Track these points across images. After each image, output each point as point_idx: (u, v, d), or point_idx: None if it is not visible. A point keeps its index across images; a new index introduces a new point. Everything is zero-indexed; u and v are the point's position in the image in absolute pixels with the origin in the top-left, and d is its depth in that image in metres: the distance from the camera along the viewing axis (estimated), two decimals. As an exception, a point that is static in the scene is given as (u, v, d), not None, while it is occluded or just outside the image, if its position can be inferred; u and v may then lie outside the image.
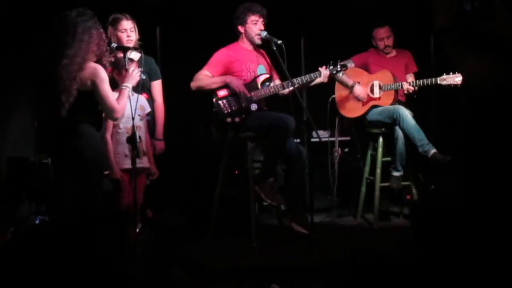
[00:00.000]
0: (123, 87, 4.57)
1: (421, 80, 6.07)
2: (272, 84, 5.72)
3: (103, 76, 4.30)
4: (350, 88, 6.37)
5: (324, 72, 5.67)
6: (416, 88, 6.10)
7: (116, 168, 4.92)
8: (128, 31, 5.29)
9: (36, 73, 4.43)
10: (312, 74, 5.67)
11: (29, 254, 3.38)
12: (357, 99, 6.34)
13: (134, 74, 4.72)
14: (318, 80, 5.69)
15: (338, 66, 5.78)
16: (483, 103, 2.87)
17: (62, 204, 4.74)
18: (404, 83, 6.13)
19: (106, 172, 4.83)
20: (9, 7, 6.07)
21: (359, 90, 6.32)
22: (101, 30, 4.41)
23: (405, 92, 6.19)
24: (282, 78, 5.75)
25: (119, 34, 5.28)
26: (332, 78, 5.87)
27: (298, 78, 5.57)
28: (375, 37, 6.45)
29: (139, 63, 5.19)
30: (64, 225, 4.27)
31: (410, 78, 6.35)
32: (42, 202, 5.78)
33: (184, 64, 6.20)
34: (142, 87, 5.26)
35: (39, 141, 5.18)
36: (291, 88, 5.69)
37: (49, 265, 3.84)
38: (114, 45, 5.09)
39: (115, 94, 4.53)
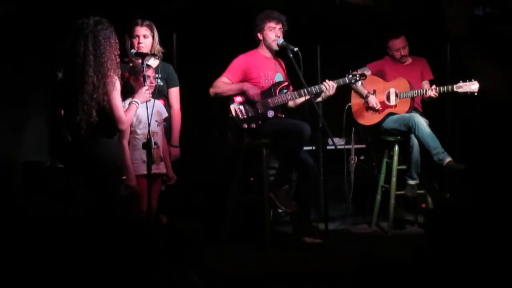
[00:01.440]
0: (133, 102, 4.61)
1: (437, 88, 6.06)
2: (289, 92, 5.73)
3: (117, 86, 4.33)
4: (364, 98, 6.37)
5: (330, 84, 5.66)
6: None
7: (132, 174, 4.94)
8: (141, 37, 5.30)
9: (56, 80, 4.44)
10: (321, 85, 5.66)
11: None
12: (372, 109, 6.34)
13: (144, 92, 4.75)
14: (327, 94, 5.67)
15: (357, 75, 5.79)
16: (499, 111, 2.86)
17: (79, 209, 4.76)
18: (428, 90, 6.11)
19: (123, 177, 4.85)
20: (26, 12, 6.11)
21: (373, 101, 6.32)
22: (117, 40, 4.43)
23: (426, 99, 6.17)
24: (296, 87, 5.75)
25: (132, 39, 5.31)
26: (342, 86, 5.85)
27: (307, 88, 5.56)
28: (391, 47, 6.44)
29: (156, 70, 5.22)
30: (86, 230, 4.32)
31: (426, 85, 6.34)
32: (57, 206, 5.80)
33: (200, 71, 6.22)
34: (159, 93, 5.30)
35: (54, 147, 5.22)
36: (302, 100, 5.72)
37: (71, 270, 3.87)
38: (133, 51, 5.12)
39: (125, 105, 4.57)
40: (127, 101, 4.72)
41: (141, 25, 5.33)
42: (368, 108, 6.39)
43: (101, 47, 4.30)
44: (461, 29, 2.69)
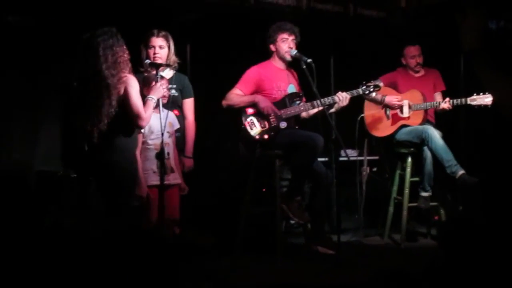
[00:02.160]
0: (149, 98, 4.60)
1: (451, 100, 6.04)
2: (301, 103, 5.73)
3: (134, 84, 4.38)
4: (381, 101, 6.35)
5: (343, 96, 5.65)
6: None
7: (143, 184, 4.94)
8: (157, 48, 5.31)
9: (70, 90, 4.47)
10: (335, 96, 5.66)
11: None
12: (391, 109, 6.31)
13: (159, 87, 4.74)
14: (340, 105, 5.66)
15: (371, 86, 5.79)
16: (512, 125, 2.85)
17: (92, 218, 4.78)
18: (441, 102, 6.10)
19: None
20: (41, 23, 6.15)
21: (390, 98, 6.30)
22: (124, 47, 4.45)
23: (439, 111, 6.15)
24: (309, 98, 5.75)
25: (148, 50, 5.32)
26: (355, 97, 5.85)
27: (321, 100, 5.55)
28: (406, 54, 6.45)
29: (171, 80, 5.23)
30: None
31: (439, 97, 6.33)
32: (69, 216, 5.82)
33: (213, 82, 6.24)
34: (173, 104, 5.31)
35: (68, 157, 5.24)
36: (315, 110, 5.72)
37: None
38: (147, 61, 5.12)
39: None
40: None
41: (157, 35, 5.34)
42: (382, 118, 6.37)
43: (112, 53, 4.34)
44: (474, 42, 2.69)
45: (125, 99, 4.32)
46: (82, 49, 4.42)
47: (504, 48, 2.75)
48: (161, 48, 5.32)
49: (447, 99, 6.09)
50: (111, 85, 4.29)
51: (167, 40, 5.36)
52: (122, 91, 4.33)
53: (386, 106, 6.38)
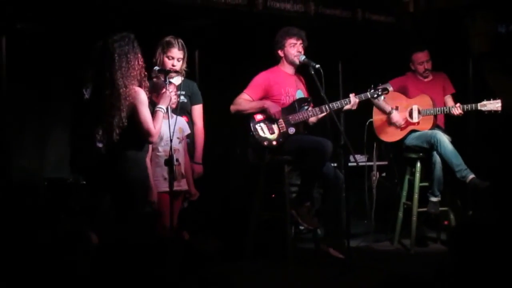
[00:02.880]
0: (158, 109, 4.57)
1: (462, 106, 6.03)
2: (310, 108, 5.73)
3: (143, 99, 4.31)
4: (388, 115, 6.36)
5: (353, 99, 5.67)
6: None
7: (154, 190, 4.95)
8: (176, 60, 5.32)
9: (82, 99, 4.47)
10: (342, 101, 5.67)
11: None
12: (395, 125, 6.33)
13: (168, 94, 4.70)
14: (347, 107, 5.68)
15: (379, 90, 5.78)
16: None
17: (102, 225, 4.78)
18: (451, 107, 6.08)
19: None
20: (47, 29, 6.17)
21: (397, 117, 6.31)
22: (139, 55, 4.42)
23: (454, 114, 6.12)
24: (317, 103, 5.75)
25: (166, 59, 5.30)
26: (364, 102, 5.85)
27: (329, 104, 5.55)
28: (414, 61, 6.44)
29: (179, 87, 5.23)
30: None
31: (449, 99, 6.32)
32: (79, 223, 5.83)
33: (222, 88, 6.25)
34: (182, 110, 5.31)
35: (77, 164, 5.25)
36: (323, 114, 5.71)
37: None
38: (156, 68, 5.12)
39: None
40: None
41: (180, 48, 5.33)
42: (391, 124, 6.37)
43: (127, 60, 4.32)
44: (483, 46, 2.70)
45: (134, 114, 4.30)
46: (97, 54, 4.40)
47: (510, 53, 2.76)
48: (179, 61, 5.33)
49: (458, 104, 6.08)
50: (122, 96, 4.26)
51: (185, 52, 5.37)
52: (132, 103, 4.30)
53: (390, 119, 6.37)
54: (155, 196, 4.93)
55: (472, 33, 2.66)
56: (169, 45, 5.32)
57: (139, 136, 4.35)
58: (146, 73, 4.48)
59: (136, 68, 4.36)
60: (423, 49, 6.42)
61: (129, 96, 4.26)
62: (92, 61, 4.40)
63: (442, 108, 6.18)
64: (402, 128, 6.31)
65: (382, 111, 6.40)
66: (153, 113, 4.49)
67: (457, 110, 6.04)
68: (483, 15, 2.64)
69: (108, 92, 4.26)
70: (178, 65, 5.32)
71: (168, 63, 5.28)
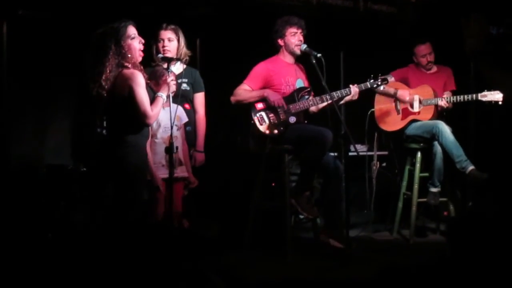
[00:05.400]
0: (158, 96, 4.57)
1: (462, 96, 6.01)
2: (310, 97, 5.73)
3: (140, 80, 4.32)
4: (394, 94, 6.34)
5: (354, 89, 5.66)
6: (450, 104, 6.05)
7: (156, 175, 4.96)
8: (166, 41, 5.35)
9: (83, 87, 4.48)
10: (343, 91, 5.66)
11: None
12: (403, 102, 6.29)
13: (169, 82, 4.70)
14: (347, 98, 5.67)
15: (379, 80, 5.77)
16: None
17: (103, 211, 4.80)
18: (439, 99, 6.08)
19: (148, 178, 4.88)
20: (49, 16, 6.16)
21: (402, 92, 6.29)
22: (129, 41, 4.42)
23: (439, 109, 6.13)
24: (318, 92, 5.74)
25: (158, 44, 5.35)
26: (365, 92, 5.84)
27: (330, 94, 5.54)
28: (416, 54, 6.43)
29: (180, 75, 5.23)
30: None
31: (446, 95, 6.30)
32: (80, 210, 5.84)
33: (223, 76, 6.24)
34: (185, 98, 5.32)
35: (78, 151, 5.26)
36: (324, 104, 5.71)
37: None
38: (160, 55, 5.14)
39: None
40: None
41: (166, 28, 5.38)
42: (392, 113, 6.36)
43: (121, 46, 4.33)
44: (476, 45, 2.73)
45: (130, 96, 4.30)
46: (95, 41, 4.41)
47: (504, 52, 2.78)
48: (170, 41, 5.35)
49: (444, 95, 6.08)
50: (111, 81, 4.27)
51: (176, 33, 5.38)
52: (126, 88, 4.30)
53: (397, 100, 6.37)
54: (158, 180, 4.95)
55: (466, 34, 2.69)
56: (158, 30, 5.37)
57: (136, 118, 4.35)
58: (142, 67, 4.48)
59: (133, 54, 4.38)
60: (425, 41, 6.40)
61: (122, 80, 4.27)
62: (90, 48, 4.41)
63: (430, 100, 6.16)
64: (402, 118, 6.31)
65: (387, 95, 6.38)
66: (153, 99, 4.49)
67: (442, 101, 6.04)
68: (476, 17, 2.67)
69: (101, 77, 4.27)
70: (171, 45, 5.34)
71: (160, 46, 5.31)
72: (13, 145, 6.25)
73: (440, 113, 6.24)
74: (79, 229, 5.60)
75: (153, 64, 5.30)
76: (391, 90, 6.33)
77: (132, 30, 4.43)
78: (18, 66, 6.18)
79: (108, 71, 4.28)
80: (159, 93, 4.58)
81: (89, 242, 5.04)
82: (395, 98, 6.37)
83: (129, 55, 4.38)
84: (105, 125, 4.35)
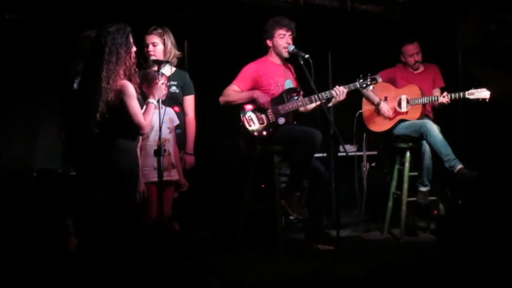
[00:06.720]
0: (149, 102, 4.54)
1: (450, 94, 6.04)
2: (299, 98, 5.73)
3: (131, 92, 4.26)
4: (376, 106, 6.37)
5: (341, 90, 5.64)
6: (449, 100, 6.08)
7: (142, 181, 4.94)
8: (150, 45, 5.35)
9: (69, 91, 4.45)
10: (331, 91, 5.65)
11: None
12: (383, 116, 6.34)
13: (160, 86, 4.69)
14: (337, 99, 5.66)
15: (368, 80, 5.77)
16: (510, 118, 2.87)
17: (91, 216, 4.77)
18: (439, 96, 6.10)
19: None
20: (41, 21, 6.15)
21: (385, 108, 6.32)
22: (132, 49, 4.38)
23: (437, 106, 6.16)
24: (307, 93, 5.75)
25: (144, 48, 5.34)
26: (353, 93, 5.85)
27: (318, 95, 5.54)
28: (404, 53, 6.45)
29: (170, 77, 5.23)
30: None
31: (437, 93, 6.32)
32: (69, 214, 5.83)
33: (211, 78, 6.24)
34: (174, 101, 5.32)
35: (69, 155, 5.24)
36: (313, 105, 5.72)
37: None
38: (152, 58, 5.15)
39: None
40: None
41: (150, 33, 5.37)
42: (380, 114, 6.38)
43: (114, 57, 4.27)
44: (470, 43, 2.73)
45: (122, 108, 4.26)
46: (90, 44, 4.38)
47: (496, 48, 2.79)
48: (155, 45, 5.36)
49: (445, 93, 6.09)
50: (104, 90, 4.21)
51: (161, 37, 5.37)
52: (117, 97, 4.25)
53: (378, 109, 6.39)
54: (142, 186, 4.93)
55: (463, 32, 2.68)
56: (145, 35, 5.36)
57: (130, 128, 4.33)
58: (137, 69, 4.45)
59: (127, 64, 4.31)
60: (413, 41, 6.42)
61: (113, 91, 4.22)
62: (84, 52, 4.38)
63: (430, 97, 6.19)
64: (391, 118, 6.32)
65: (371, 101, 6.42)
66: (144, 105, 4.48)
67: (444, 98, 6.05)
68: (473, 14, 2.66)
69: (92, 85, 4.23)
70: (156, 50, 5.34)
71: (146, 51, 5.31)
72: (1, 150, 6.23)
73: (434, 111, 6.29)
74: (70, 231, 5.59)
75: (149, 66, 5.28)
76: (375, 99, 6.36)
77: (131, 39, 4.39)
78: (6, 71, 6.16)
79: (109, 80, 4.23)
80: (149, 99, 4.56)
81: (81, 246, 5.02)
82: (376, 108, 6.39)
83: (128, 64, 4.34)
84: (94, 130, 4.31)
